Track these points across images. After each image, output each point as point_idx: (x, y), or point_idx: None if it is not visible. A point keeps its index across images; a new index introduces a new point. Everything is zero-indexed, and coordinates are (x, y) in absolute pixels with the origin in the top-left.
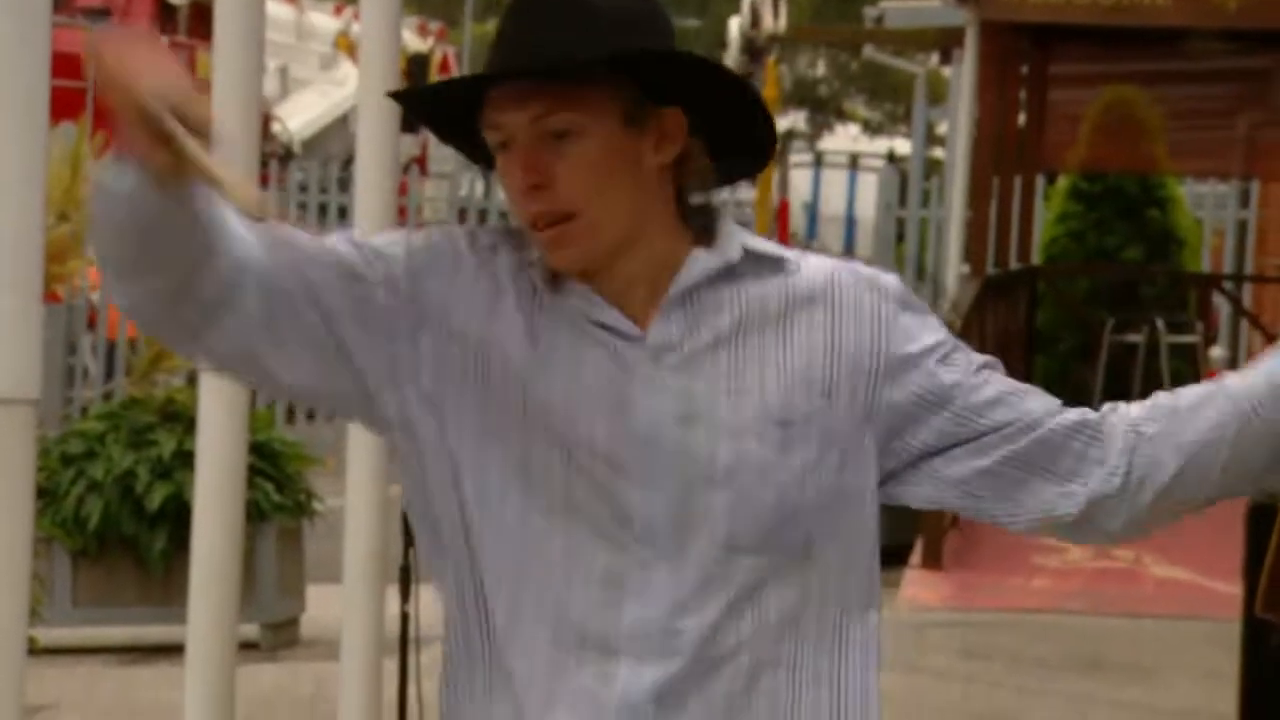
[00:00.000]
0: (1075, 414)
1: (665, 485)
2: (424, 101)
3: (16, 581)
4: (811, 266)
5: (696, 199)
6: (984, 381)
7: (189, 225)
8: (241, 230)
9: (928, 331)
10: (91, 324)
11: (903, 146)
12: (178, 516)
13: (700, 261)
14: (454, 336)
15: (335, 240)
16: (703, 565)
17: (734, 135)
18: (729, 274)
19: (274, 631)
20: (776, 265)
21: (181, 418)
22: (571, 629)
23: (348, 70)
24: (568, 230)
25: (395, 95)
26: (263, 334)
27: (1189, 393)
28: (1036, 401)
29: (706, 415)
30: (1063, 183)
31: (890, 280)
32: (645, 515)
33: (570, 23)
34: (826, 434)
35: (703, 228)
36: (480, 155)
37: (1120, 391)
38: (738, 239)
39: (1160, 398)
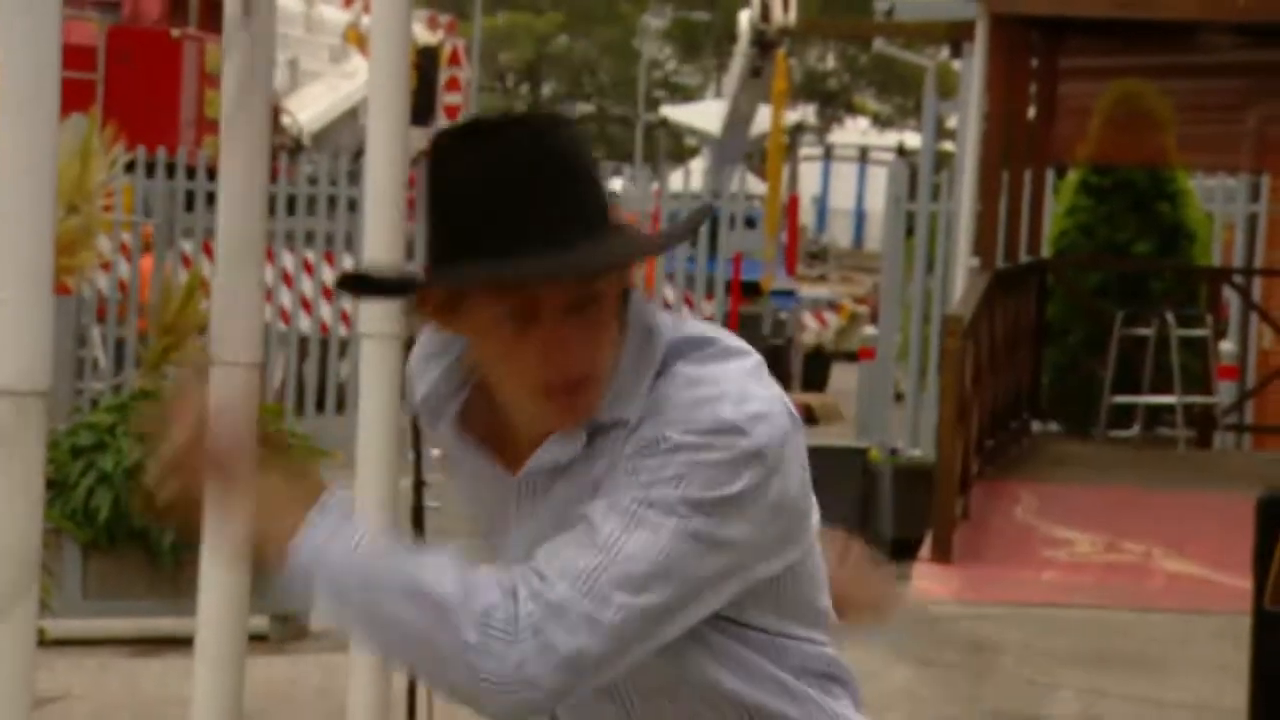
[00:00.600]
0: None
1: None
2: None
3: (26, 573)
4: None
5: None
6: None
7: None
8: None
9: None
10: (101, 316)
11: (912, 140)
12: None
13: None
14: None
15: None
16: None
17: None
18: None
19: (283, 624)
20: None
21: None
22: None
23: (358, 63)
24: (586, 394)
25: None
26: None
27: None
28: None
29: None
30: (1072, 176)
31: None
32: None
33: (584, 223)
34: None
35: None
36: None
37: (1131, 384)
38: (637, 380)
39: None
